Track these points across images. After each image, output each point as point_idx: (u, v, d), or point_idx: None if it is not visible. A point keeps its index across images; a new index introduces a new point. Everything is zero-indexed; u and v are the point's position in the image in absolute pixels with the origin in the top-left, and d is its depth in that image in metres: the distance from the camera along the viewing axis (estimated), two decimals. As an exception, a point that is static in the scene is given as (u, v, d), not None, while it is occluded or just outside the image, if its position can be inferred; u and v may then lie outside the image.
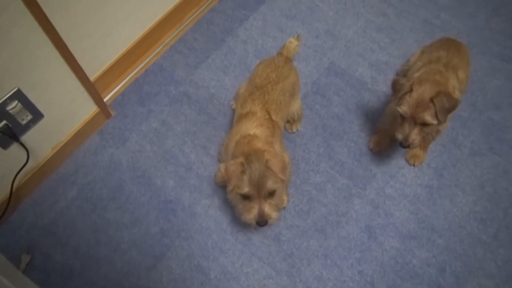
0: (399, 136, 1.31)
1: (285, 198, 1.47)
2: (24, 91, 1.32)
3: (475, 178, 1.57)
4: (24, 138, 1.41)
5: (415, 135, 1.29)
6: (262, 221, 1.19)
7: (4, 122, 1.32)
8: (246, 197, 1.19)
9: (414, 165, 1.59)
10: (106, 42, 1.61)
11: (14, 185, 1.44)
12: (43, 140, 1.50)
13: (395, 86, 1.30)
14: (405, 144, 1.31)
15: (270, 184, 1.16)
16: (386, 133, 1.58)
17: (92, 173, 1.60)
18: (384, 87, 1.75)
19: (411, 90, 1.25)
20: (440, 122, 1.25)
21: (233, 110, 1.67)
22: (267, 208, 1.18)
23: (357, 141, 1.64)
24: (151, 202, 1.54)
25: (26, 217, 1.53)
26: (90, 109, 1.61)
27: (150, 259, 1.45)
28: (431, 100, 1.22)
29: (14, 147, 1.39)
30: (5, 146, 1.37)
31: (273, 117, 1.34)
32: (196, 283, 1.41)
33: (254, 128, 1.29)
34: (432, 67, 1.36)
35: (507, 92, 1.73)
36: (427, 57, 1.44)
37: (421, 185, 1.56)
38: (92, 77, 1.61)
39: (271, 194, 1.19)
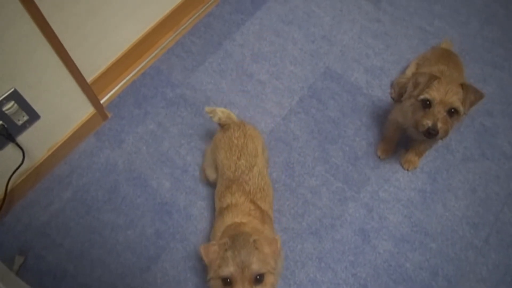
0: (428, 122, 1.23)
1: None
2: (21, 92, 1.32)
3: (467, 183, 1.60)
4: (20, 138, 1.41)
5: (442, 123, 1.23)
6: None
7: (0, 122, 1.31)
8: (228, 283, 0.98)
9: (408, 170, 1.61)
10: (103, 44, 1.62)
11: (9, 186, 1.44)
12: (39, 141, 1.50)
13: (415, 80, 1.29)
14: (433, 131, 1.23)
15: (256, 265, 0.97)
16: (392, 140, 1.60)
17: (88, 174, 1.59)
18: (379, 92, 1.78)
19: (438, 78, 1.24)
20: (464, 113, 1.24)
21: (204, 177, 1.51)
22: None
23: (352, 145, 1.66)
24: (147, 204, 1.54)
25: (20, 218, 1.52)
26: (86, 110, 1.61)
27: (144, 260, 1.45)
28: (461, 85, 1.23)
29: (10, 147, 1.39)
30: (0, 147, 1.36)
31: (262, 206, 1.20)
32: (190, 285, 1.41)
33: (240, 218, 1.16)
34: None
35: (499, 99, 1.77)
36: (427, 70, 1.45)
37: (415, 190, 1.58)
38: (89, 79, 1.62)
39: (259, 280, 0.99)
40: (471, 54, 1.88)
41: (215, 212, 1.29)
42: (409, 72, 1.62)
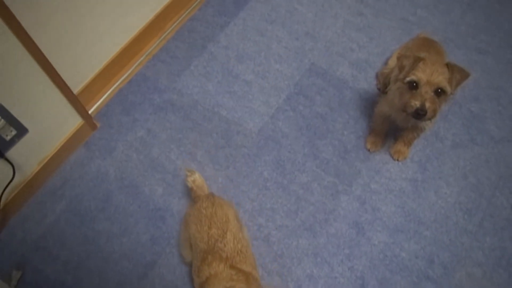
0: (416, 103, 1.22)
1: None
2: (7, 107, 1.32)
3: (458, 169, 1.60)
4: (9, 153, 1.41)
5: (430, 103, 1.22)
6: None
7: (-13, 139, 1.32)
8: None
9: (398, 160, 1.62)
10: (88, 55, 1.62)
11: (2, 202, 1.44)
12: (29, 155, 1.50)
13: (400, 63, 1.28)
14: (422, 111, 1.22)
15: None
16: (380, 132, 1.61)
17: (80, 185, 1.60)
18: (365, 84, 1.78)
19: (423, 59, 1.24)
20: (450, 93, 1.24)
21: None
22: None
23: (341, 139, 1.66)
24: (140, 211, 1.54)
25: (15, 233, 1.52)
26: (75, 121, 1.61)
27: (141, 267, 1.45)
28: (446, 65, 1.23)
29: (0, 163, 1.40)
30: (-10, 163, 1.37)
31: (244, 268, 1.15)
32: (188, 288, 1.41)
33: (224, 285, 1.08)
34: None
35: (485, 84, 1.78)
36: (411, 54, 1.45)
37: (406, 179, 1.59)
38: (76, 90, 1.62)
39: None
40: (455, 41, 1.89)
41: None
42: (391, 63, 1.63)
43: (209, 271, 1.12)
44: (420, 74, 1.23)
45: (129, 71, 1.82)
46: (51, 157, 1.58)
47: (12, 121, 1.36)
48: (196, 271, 1.17)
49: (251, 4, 2.00)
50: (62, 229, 1.53)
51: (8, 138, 1.38)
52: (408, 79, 1.25)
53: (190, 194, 1.46)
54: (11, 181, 1.42)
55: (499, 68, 1.82)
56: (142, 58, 1.86)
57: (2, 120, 1.32)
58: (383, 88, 1.69)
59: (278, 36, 1.91)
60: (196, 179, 1.41)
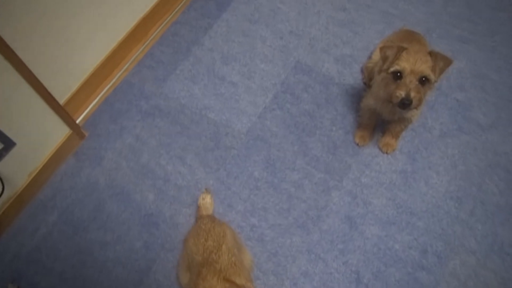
0: (401, 93, 1.23)
1: None
2: (-8, 121, 1.32)
3: (447, 158, 1.61)
4: (-3, 168, 1.41)
5: (415, 92, 1.23)
6: None
7: (-26, 154, 1.31)
8: None
9: (387, 153, 1.62)
10: (72, 65, 1.62)
11: (-8, 217, 1.44)
12: (18, 168, 1.50)
13: (384, 54, 1.29)
14: (407, 100, 1.23)
15: None
16: (368, 126, 1.62)
17: (71, 196, 1.59)
18: (351, 80, 1.79)
19: (406, 49, 1.25)
20: (434, 81, 1.25)
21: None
22: None
23: (329, 135, 1.67)
24: (132, 218, 1.54)
25: (9, 247, 1.52)
26: (62, 132, 1.61)
27: (136, 274, 1.45)
28: (429, 54, 1.23)
29: (-12, 178, 1.39)
30: (-22, 179, 1.36)
31: (238, 281, 1.15)
32: (184, 292, 1.41)
33: None
34: None
35: (469, 72, 1.79)
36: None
37: (396, 171, 1.59)
38: (62, 100, 1.62)
39: None
40: (437, 32, 1.90)
41: None
42: (375, 56, 1.63)
43: (204, 286, 1.13)
44: (404, 64, 1.23)
45: (115, 79, 1.82)
46: (41, 169, 1.57)
47: (-2, 135, 1.35)
48: (192, 286, 1.18)
49: (233, 5, 2.00)
50: (55, 240, 1.52)
51: (-5, 152, 1.37)
52: (392, 69, 1.26)
53: (196, 213, 1.52)
54: (0, 195, 1.41)
55: (482, 56, 1.83)
56: (127, 65, 1.85)
57: (-12, 135, 1.31)
58: (369, 81, 1.70)
59: (262, 36, 1.91)
60: (207, 198, 1.51)
